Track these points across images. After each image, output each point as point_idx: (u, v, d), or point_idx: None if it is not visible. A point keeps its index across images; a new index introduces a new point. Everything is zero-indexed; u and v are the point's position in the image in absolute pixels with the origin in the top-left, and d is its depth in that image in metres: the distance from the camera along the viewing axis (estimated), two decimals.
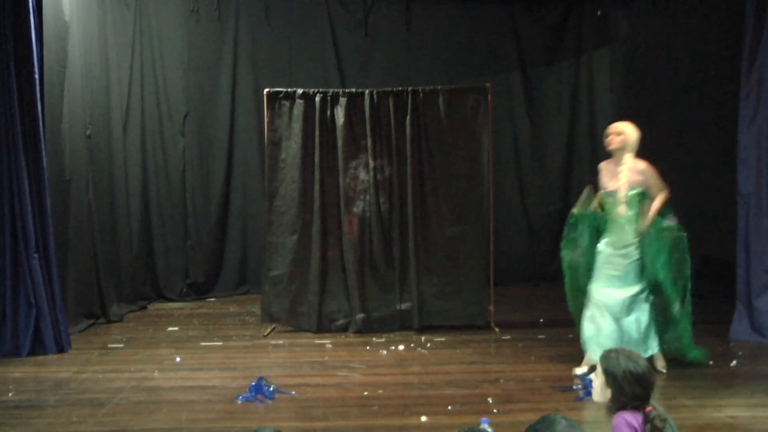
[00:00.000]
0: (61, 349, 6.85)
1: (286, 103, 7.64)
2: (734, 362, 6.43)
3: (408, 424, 5.16)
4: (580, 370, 6.03)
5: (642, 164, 6.04)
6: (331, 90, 7.87)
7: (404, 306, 7.63)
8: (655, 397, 3.30)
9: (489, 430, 4.03)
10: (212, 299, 9.36)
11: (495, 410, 5.27)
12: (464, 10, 10.02)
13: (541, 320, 8.11)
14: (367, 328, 7.54)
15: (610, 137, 6.14)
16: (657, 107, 9.55)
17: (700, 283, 8.88)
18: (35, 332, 6.76)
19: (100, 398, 5.63)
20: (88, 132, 7.94)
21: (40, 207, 6.79)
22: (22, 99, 6.70)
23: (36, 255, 6.73)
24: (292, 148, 7.64)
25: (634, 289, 6.02)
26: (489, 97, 7.62)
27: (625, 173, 6.04)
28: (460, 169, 7.69)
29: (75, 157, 7.67)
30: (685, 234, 6.05)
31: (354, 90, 7.81)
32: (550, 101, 10.37)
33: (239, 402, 5.52)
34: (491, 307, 7.62)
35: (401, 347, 7.01)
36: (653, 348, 6.04)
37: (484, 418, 4.47)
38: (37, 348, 6.77)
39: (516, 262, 10.01)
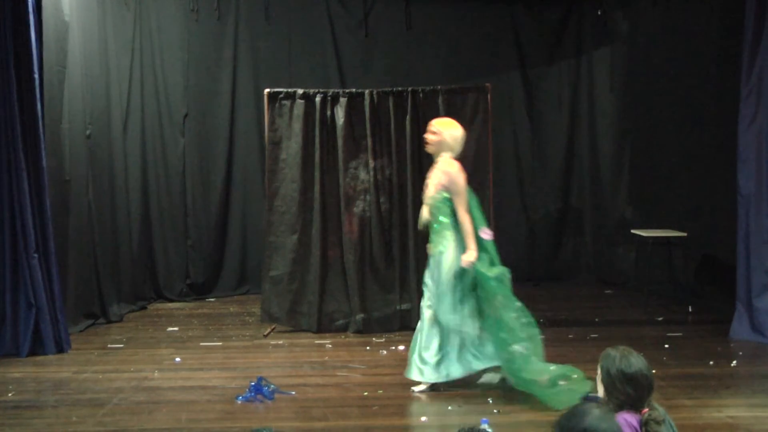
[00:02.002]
0: (60, 350, 6.85)
1: (287, 103, 7.64)
2: (734, 362, 6.43)
3: (408, 424, 5.16)
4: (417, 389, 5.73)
5: (453, 167, 5.59)
6: (331, 90, 7.88)
7: (404, 306, 7.63)
8: (655, 397, 3.29)
9: (489, 430, 4.03)
10: (212, 299, 9.35)
11: (495, 410, 5.27)
12: (464, 10, 10.02)
13: (541, 320, 8.07)
14: (367, 328, 7.54)
15: (426, 135, 5.76)
16: (657, 107, 9.55)
17: (700, 283, 8.98)
18: (35, 332, 6.76)
19: (100, 398, 5.64)
20: (88, 132, 7.94)
21: (40, 207, 6.79)
22: (22, 99, 6.69)
23: (36, 255, 6.73)
24: (292, 148, 7.65)
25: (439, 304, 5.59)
26: (489, 97, 7.62)
27: (435, 173, 5.65)
28: None
29: (75, 157, 7.67)
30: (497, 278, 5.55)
31: (354, 90, 7.82)
32: (550, 101, 10.36)
33: (239, 402, 5.52)
34: None
35: (401, 347, 7.00)
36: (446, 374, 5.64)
37: (484, 418, 4.48)
38: (37, 348, 6.77)
39: (516, 262, 9.96)
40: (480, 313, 5.61)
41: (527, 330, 5.53)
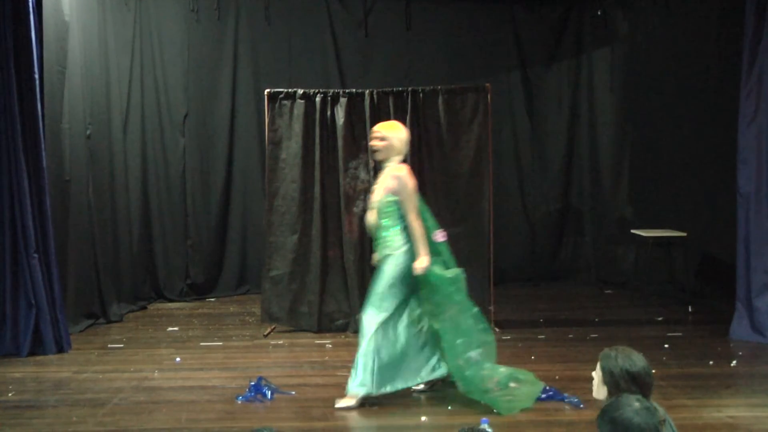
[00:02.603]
0: (60, 349, 6.85)
1: (287, 103, 7.64)
2: (734, 362, 6.43)
3: (408, 424, 5.16)
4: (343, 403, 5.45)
5: (402, 170, 5.46)
6: (331, 90, 7.89)
7: None
8: (655, 397, 3.29)
9: (489, 430, 4.02)
10: (212, 299, 9.35)
11: (495, 410, 5.27)
12: (464, 10, 10.02)
13: (541, 320, 8.11)
14: None
15: (373, 142, 5.59)
16: (657, 107, 9.55)
17: (700, 283, 8.99)
18: (35, 332, 6.76)
19: (100, 398, 5.64)
20: (88, 132, 7.94)
21: (40, 207, 6.79)
22: (22, 99, 6.70)
23: (36, 255, 6.73)
24: (292, 148, 7.65)
25: (382, 314, 5.48)
26: (489, 97, 7.62)
27: (384, 177, 5.53)
28: (460, 169, 7.68)
29: (75, 157, 7.67)
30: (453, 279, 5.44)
31: (354, 90, 7.81)
32: (550, 101, 10.37)
33: (239, 402, 5.52)
34: (491, 307, 7.61)
35: None
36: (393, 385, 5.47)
37: (484, 418, 4.47)
38: (37, 348, 6.77)
39: (516, 262, 10.02)
40: (435, 318, 5.50)
41: (483, 336, 5.51)
